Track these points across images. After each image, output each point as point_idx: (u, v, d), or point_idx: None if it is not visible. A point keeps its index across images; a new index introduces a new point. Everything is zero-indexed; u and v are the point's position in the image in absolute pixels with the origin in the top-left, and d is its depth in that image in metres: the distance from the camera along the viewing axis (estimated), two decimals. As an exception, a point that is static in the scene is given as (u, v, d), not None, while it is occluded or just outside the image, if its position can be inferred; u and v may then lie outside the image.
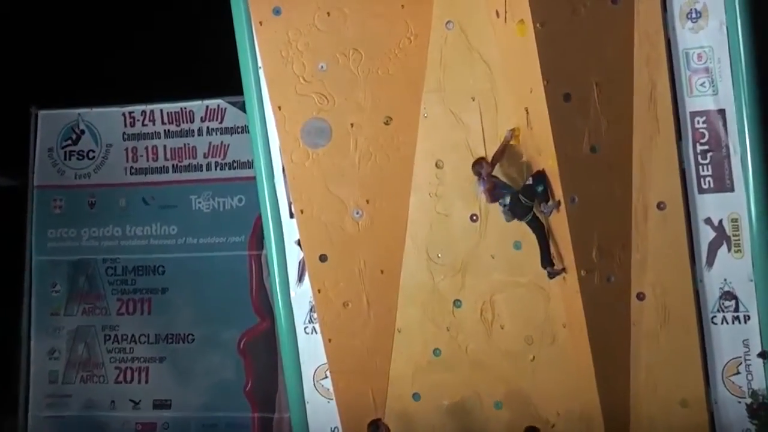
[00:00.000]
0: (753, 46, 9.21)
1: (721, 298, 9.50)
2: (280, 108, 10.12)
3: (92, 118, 13.15)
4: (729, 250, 9.43)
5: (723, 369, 9.53)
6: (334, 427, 10.40)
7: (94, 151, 13.11)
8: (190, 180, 12.77)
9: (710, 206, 9.46)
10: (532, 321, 9.86)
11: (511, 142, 9.59)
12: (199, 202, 12.73)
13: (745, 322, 9.44)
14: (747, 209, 9.34)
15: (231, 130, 12.63)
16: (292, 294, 10.49)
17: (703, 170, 9.46)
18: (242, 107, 11.34)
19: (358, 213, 10.08)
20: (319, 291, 10.19)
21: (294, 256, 10.44)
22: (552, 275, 9.51)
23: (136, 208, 12.93)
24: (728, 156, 9.40)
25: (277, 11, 10.02)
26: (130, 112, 13.03)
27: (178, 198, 12.83)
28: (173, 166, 12.85)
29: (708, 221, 9.47)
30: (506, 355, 9.95)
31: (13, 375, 13.03)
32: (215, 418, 12.52)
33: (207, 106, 12.77)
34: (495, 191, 9.45)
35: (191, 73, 13.22)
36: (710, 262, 9.49)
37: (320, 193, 10.10)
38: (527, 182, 9.41)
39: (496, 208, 9.68)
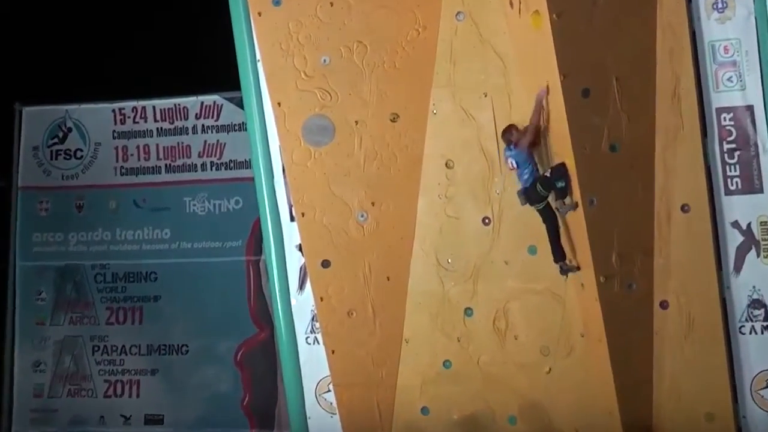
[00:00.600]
0: (783, 38, 9.25)
1: (749, 306, 9.51)
2: (280, 104, 10.13)
3: (80, 115, 13.23)
4: (758, 255, 9.45)
5: (752, 382, 9.55)
6: (338, 444, 10.44)
7: (82, 150, 13.19)
8: (184, 181, 12.83)
9: (738, 208, 9.48)
10: (548, 331, 9.86)
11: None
12: (194, 205, 12.79)
13: (776, 332, 9.48)
14: (777, 211, 9.39)
15: (228, 128, 12.70)
16: (293, 302, 10.50)
17: (730, 170, 9.48)
18: (240, 103, 11.38)
19: (362, 216, 10.10)
20: (321, 299, 10.20)
21: (295, 261, 10.45)
22: (564, 271, 9.51)
23: (127, 210, 13.00)
24: (757, 155, 9.43)
25: (276, 1, 10.02)
26: (120, 109, 13.11)
27: (172, 200, 12.89)
28: (166, 166, 12.92)
29: (735, 224, 9.48)
30: (521, 367, 9.97)
31: (-4, 388, 13.10)
32: (211, 434, 12.59)
33: (202, 103, 12.83)
34: (523, 161, 9.42)
35: (185, 68, 13.26)
36: (738, 268, 9.50)
37: (323, 195, 10.11)
38: (545, 173, 9.41)
39: (510, 211, 9.72)
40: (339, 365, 10.25)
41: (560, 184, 9.29)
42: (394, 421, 10.23)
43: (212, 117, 12.78)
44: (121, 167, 13.05)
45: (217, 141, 12.75)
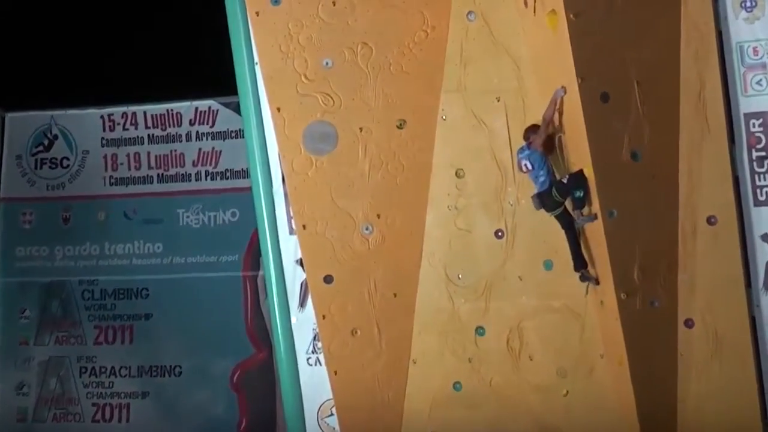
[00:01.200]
0: (817, 39, 9.27)
1: (780, 325, 9.52)
2: (279, 110, 10.14)
3: (67, 121, 13.26)
4: (790, 270, 9.47)
5: (783, 405, 9.55)
6: (341, 471, 10.44)
7: (68, 159, 13.21)
8: (177, 191, 12.86)
9: (768, 220, 9.50)
10: (566, 351, 9.87)
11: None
12: (188, 217, 12.81)
13: (809, 353, 9.47)
14: (811, 224, 9.39)
15: (224, 135, 12.73)
16: (293, 320, 10.52)
17: (759, 179, 9.48)
18: (236, 109, 11.42)
19: (367, 229, 10.11)
20: (323, 317, 10.20)
21: (295, 277, 10.47)
22: (584, 279, 9.52)
23: (117, 223, 13.02)
24: (788, 164, 9.45)
25: (275, 0, 10.07)
26: (109, 115, 13.15)
27: (164, 212, 12.92)
28: (158, 175, 12.95)
29: (765, 238, 9.48)
30: (536, 390, 9.96)
31: (-24, 412, 13.11)
32: (205, 460, 12.59)
33: (196, 108, 12.87)
34: (539, 162, 9.41)
35: (179, 71, 13.26)
36: (768, 285, 9.53)
37: (325, 207, 10.12)
38: (562, 179, 9.41)
39: (525, 223, 9.74)
40: (342, 387, 10.24)
41: (578, 194, 9.28)
42: (401, 447, 10.25)
43: (207, 123, 12.81)
44: (111, 177, 13.07)
45: (213, 149, 12.78)
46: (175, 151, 12.89)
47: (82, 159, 13.17)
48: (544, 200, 9.46)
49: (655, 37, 9.39)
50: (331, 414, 10.41)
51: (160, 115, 12.97)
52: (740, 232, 9.47)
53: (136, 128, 13.02)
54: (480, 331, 10.06)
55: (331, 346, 10.21)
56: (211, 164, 12.78)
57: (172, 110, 12.95)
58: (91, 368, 12.96)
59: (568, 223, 9.46)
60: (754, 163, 9.49)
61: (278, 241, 10.48)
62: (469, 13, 9.91)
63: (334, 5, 9.97)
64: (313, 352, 10.48)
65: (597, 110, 9.18)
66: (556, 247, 9.59)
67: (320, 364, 10.40)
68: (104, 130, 13.11)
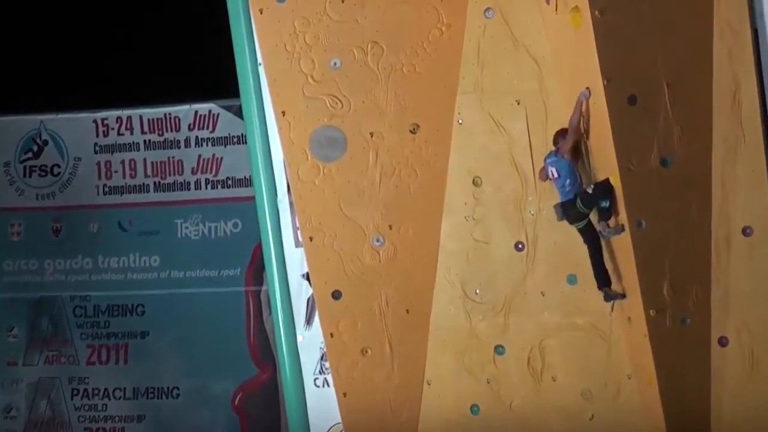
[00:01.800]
0: None
1: (820, 343, 9.50)
2: (284, 113, 10.16)
3: (57, 126, 13.30)
4: (831, 284, 9.45)
5: (823, 428, 9.53)
6: (350, 500, 10.44)
7: (59, 166, 13.25)
8: (175, 201, 12.89)
9: (808, 232, 9.48)
10: (591, 371, 9.86)
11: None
12: (187, 228, 12.84)
13: None
14: None
15: (225, 141, 12.76)
16: (299, 339, 10.54)
17: (798, 187, 9.48)
18: (238, 112, 11.45)
19: (378, 241, 10.12)
20: (331, 335, 10.21)
21: (301, 292, 10.49)
22: (609, 298, 9.49)
23: (111, 234, 13.06)
24: (829, 170, 9.42)
25: (280, -3, 10.12)
26: (102, 119, 13.18)
27: (161, 223, 12.95)
28: (155, 184, 12.98)
29: (804, 249, 9.48)
30: (559, 413, 9.96)
31: (-39, 437, 13.14)
32: (205, 488, 12.61)
33: (196, 112, 12.90)
34: (566, 169, 9.40)
35: (177, 73, 13.30)
36: (808, 300, 9.50)
37: (333, 217, 10.13)
38: (587, 189, 9.39)
39: (547, 235, 9.73)
40: (351, 411, 10.25)
41: (604, 204, 9.26)
42: (414, 476, 10.25)
43: (207, 128, 12.84)
44: (104, 185, 13.11)
45: (213, 155, 12.81)
46: (173, 157, 12.92)
47: (74, 166, 13.20)
48: (567, 211, 9.44)
49: (686, 36, 9.37)
50: (340, 439, 10.44)
51: (157, 119, 13.00)
52: (777, 243, 9.47)
53: (131, 133, 13.06)
54: (499, 350, 10.06)
55: (340, 366, 10.22)
56: (211, 172, 12.81)
57: (169, 114, 12.98)
58: (83, 390, 12.99)
59: (591, 238, 9.44)
60: (793, 170, 9.49)
61: (283, 254, 10.50)
62: (487, 9, 9.91)
63: (343, 2, 9.98)
64: (320, 373, 10.50)
65: (624, 113, 9.17)
66: (581, 260, 9.57)
67: (328, 386, 10.41)
68: (97, 135, 13.15)
